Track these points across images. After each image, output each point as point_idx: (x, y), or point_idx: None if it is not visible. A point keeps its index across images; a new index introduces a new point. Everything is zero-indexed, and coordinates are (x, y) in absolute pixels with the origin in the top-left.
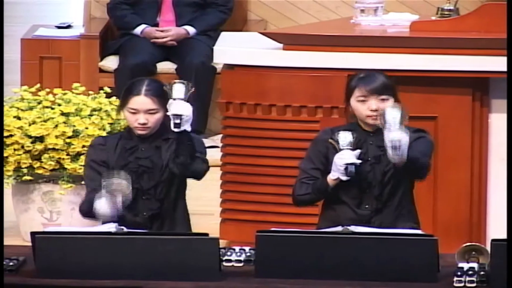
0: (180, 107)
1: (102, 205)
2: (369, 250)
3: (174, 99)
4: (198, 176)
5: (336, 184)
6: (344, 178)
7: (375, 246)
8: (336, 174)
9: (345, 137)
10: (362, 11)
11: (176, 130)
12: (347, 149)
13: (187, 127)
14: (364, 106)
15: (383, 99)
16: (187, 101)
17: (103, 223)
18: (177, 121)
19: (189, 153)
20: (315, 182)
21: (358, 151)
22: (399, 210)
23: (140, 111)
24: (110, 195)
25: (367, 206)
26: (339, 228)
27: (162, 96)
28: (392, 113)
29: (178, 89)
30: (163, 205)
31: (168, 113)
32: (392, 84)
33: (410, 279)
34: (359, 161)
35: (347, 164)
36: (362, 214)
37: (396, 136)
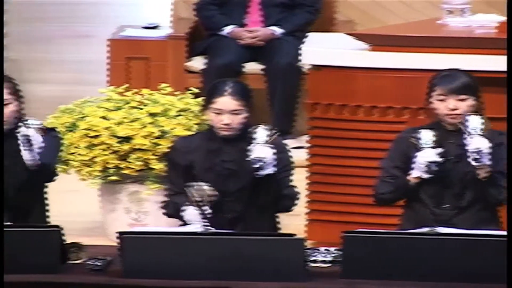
0: (261, 151)
1: (191, 214)
2: (455, 252)
3: (256, 144)
4: (284, 211)
5: (417, 183)
6: (426, 176)
7: (461, 247)
8: (418, 172)
9: (426, 135)
10: (449, 12)
11: (258, 174)
12: (429, 147)
13: (270, 170)
14: (443, 105)
15: (462, 99)
16: (270, 144)
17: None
18: (258, 164)
19: (273, 195)
20: (397, 180)
21: (440, 149)
22: (481, 213)
23: (225, 111)
24: (197, 204)
25: (446, 206)
26: (425, 229)
27: (246, 97)
28: (473, 122)
29: (261, 134)
30: (248, 208)
31: (248, 158)
32: (475, 84)
33: (499, 281)
34: (441, 159)
35: (429, 162)
36: (441, 214)
37: (476, 145)
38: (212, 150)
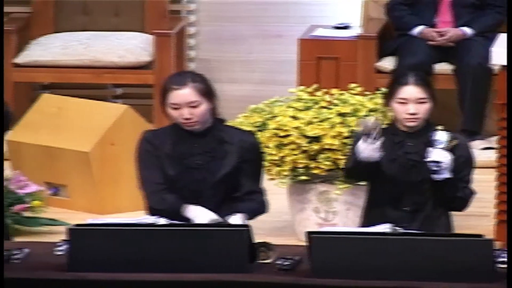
0: (439, 155)
1: (362, 147)
2: None
3: (435, 147)
4: (457, 211)
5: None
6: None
7: None
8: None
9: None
10: None
11: (435, 177)
12: (441, 147)
13: (446, 175)
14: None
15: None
16: (449, 150)
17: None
18: (435, 168)
19: (447, 196)
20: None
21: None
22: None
23: (410, 100)
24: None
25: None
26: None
27: (429, 86)
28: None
29: (441, 137)
30: (428, 200)
31: (426, 160)
32: None
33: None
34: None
35: (435, 161)
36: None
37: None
38: (396, 142)
